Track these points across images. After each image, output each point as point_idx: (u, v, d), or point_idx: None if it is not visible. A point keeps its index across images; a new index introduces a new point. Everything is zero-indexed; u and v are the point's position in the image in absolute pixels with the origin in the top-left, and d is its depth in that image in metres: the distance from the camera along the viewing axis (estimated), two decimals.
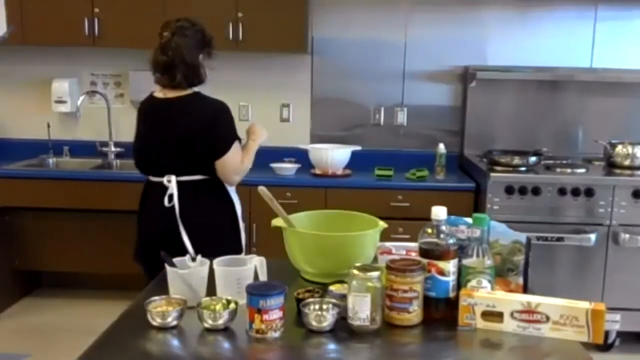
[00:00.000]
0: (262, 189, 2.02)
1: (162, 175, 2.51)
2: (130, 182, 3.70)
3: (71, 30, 3.80)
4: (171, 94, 2.51)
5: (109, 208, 3.73)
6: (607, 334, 3.49)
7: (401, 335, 1.59)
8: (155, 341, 1.55)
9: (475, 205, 3.61)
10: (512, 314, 1.58)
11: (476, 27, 4.06)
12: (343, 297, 1.62)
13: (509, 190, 3.46)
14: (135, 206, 3.70)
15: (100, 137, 4.23)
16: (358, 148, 3.83)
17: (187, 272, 1.71)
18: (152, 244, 2.36)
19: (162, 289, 1.73)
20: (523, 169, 3.60)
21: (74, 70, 4.21)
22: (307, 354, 1.52)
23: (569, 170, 3.60)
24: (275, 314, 1.53)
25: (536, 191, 3.44)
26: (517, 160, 3.64)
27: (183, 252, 2.09)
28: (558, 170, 3.60)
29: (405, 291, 1.59)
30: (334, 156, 3.75)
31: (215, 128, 2.46)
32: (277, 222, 1.97)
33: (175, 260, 1.75)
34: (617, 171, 3.66)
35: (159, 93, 2.57)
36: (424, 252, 1.65)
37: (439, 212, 1.66)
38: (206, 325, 1.57)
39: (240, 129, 2.62)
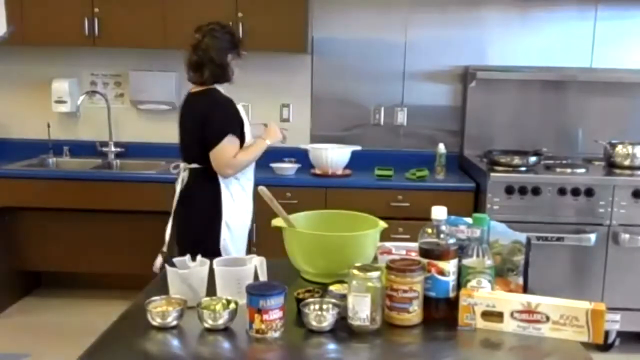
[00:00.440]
0: (262, 189, 2.03)
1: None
2: (130, 182, 3.72)
3: (71, 30, 3.80)
4: (195, 89, 2.76)
5: (109, 208, 3.74)
6: (607, 334, 3.49)
7: (401, 335, 1.59)
8: (155, 341, 1.55)
9: (475, 205, 3.61)
10: (512, 314, 1.58)
11: (476, 27, 4.06)
12: (343, 297, 1.62)
13: (509, 190, 3.46)
14: (134, 206, 3.72)
15: (100, 137, 4.23)
16: (358, 148, 3.83)
17: (187, 272, 1.71)
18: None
19: (162, 289, 1.73)
20: (523, 169, 3.60)
21: (74, 70, 4.21)
22: (307, 354, 1.53)
23: (569, 170, 3.60)
24: (275, 314, 1.53)
25: (536, 191, 3.44)
26: (517, 160, 3.64)
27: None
28: (558, 170, 3.60)
29: (405, 291, 1.59)
30: (334, 156, 3.74)
31: (211, 119, 2.66)
32: (277, 222, 1.97)
33: (175, 260, 1.75)
34: (617, 171, 3.66)
35: (192, 89, 2.81)
36: (424, 252, 1.65)
37: (439, 212, 1.66)
38: (206, 325, 1.58)
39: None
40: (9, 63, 4.21)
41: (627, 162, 3.68)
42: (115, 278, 4.11)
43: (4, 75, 4.25)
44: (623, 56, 4.02)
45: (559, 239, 3.44)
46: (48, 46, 4.09)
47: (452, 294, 1.65)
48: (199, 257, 1.80)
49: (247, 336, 1.55)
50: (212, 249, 2.60)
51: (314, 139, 4.13)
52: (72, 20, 3.78)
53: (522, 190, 3.45)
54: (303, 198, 3.47)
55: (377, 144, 4.15)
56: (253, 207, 2.85)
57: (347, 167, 3.85)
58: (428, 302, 1.64)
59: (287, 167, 3.79)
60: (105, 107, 4.19)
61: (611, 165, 3.73)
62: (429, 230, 1.66)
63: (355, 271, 1.58)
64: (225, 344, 1.55)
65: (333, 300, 1.63)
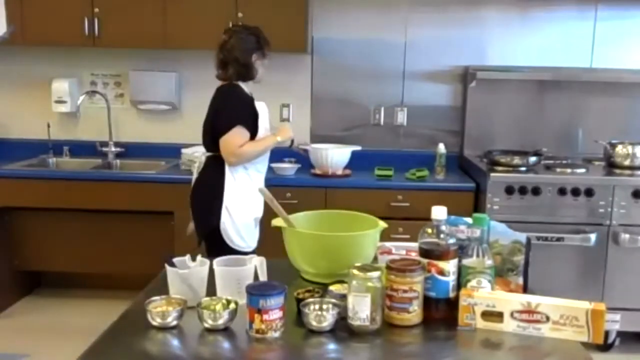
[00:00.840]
0: (262, 189, 2.03)
1: None
2: (130, 182, 3.72)
3: (71, 30, 3.80)
4: (222, 85, 2.92)
5: (109, 208, 3.74)
6: (607, 334, 3.49)
7: (401, 335, 1.60)
8: (155, 341, 1.55)
9: (475, 205, 3.60)
10: (512, 314, 1.58)
11: (476, 27, 4.06)
12: (343, 297, 1.62)
13: (509, 190, 3.46)
14: (134, 206, 3.72)
15: (100, 137, 4.22)
16: (358, 148, 3.83)
17: (187, 272, 1.71)
18: None
19: (162, 289, 1.73)
20: (523, 169, 3.60)
21: (74, 70, 4.21)
22: (307, 354, 1.53)
23: (569, 170, 3.60)
24: (275, 314, 1.53)
25: (536, 191, 3.44)
26: (517, 160, 3.64)
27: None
28: (558, 170, 3.60)
29: (405, 291, 1.59)
30: (334, 156, 3.74)
31: (224, 109, 2.83)
32: (277, 222, 1.97)
33: (175, 260, 1.75)
34: (617, 171, 3.66)
35: (219, 85, 2.95)
36: (424, 252, 1.65)
37: (439, 212, 1.66)
38: (206, 325, 1.58)
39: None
40: (9, 63, 4.22)
41: (627, 162, 3.68)
42: (115, 278, 4.11)
43: (4, 75, 4.25)
44: (623, 56, 4.02)
45: (559, 239, 3.44)
46: (48, 46, 4.09)
47: (452, 294, 1.65)
48: (198, 257, 1.80)
49: (247, 336, 1.55)
50: (213, 231, 2.82)
51: (314, 139, 4.13)
52: (72, 20, 3.78)
53: (522, 190, 3.45)
54: (303, 198, 3.47)
55: (377, 144, 4.15)
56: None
57: (347, 167, 3.85)
58: (428, 302, 1.64)
59: (287, 167, 3.79)
60: (105, 107, 4.19)
61: (611, 165, 3.73)
62: (429, 230, 1.66)
63: (355, 271, 1.58)
64: (225, 344, 1.55)
65: (333, 300, 1.63)
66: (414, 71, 4.11)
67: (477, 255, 1.66)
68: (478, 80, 3.95)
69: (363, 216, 2.03)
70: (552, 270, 3.45)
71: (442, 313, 1.65)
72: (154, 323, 1.58)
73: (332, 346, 1.53)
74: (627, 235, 3.42)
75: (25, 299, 4.15)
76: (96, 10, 3.78)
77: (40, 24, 3.81)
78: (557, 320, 1.55)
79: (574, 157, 3.93)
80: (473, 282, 1.65)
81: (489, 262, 1.66)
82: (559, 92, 4.04)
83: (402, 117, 4.15)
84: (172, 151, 4.03)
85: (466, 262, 1.67)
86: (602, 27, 4.01)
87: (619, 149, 3.71)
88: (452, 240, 1.66)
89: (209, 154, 2.92)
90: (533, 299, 1.58)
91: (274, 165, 3.79)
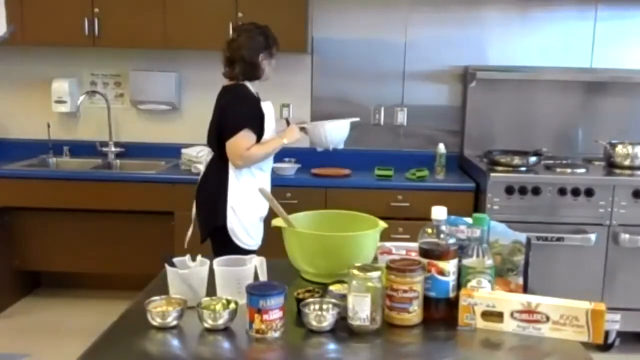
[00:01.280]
0: (262, 188, 2.03)
1: None
2: (130, 182, 3.72)
3: (71, 30, 3.80)
4: (227, 83, 2.92)
5: (109, 208, 3.74)
6: (607, 334, 3.49)
7: (401, 335, 1.59)
8: (155, 341, 1.55)
9: (475, 205, 3.60)
10: (512, 314, 1.58)
11: (476, 27, 4.05)
12: (343, 297, 1.62)
13: (509, 190, 3.46)
14: (134, 206, 3.72)
15: (100, 137, 4.22)
16: (356, 119, 3.37)
17: (187, 272, 1.71)
18: None
19: (162, 289, 1.73)
20: (523, 169, 3.60)
21: (74, 70, 4.21)
22: (307, 354, 1.53)
23: (569, 170, 3.60)
24: (275, 314, 1.53)
25: (536, 191, 3.44)
26: (517, 160, 3.64)
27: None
28: (558, 170, 3.60)
29: (405, 291, 1.59)
30: (332, 130, 3.25)
31: (231, 112, 2.82)
32: (277, 222, 1.97)
33: (175, 260, 1.75)
34: (617, 171, 3.66)
35: (225, 83, 2.96)
36: (424, 252, 1.65)
37: (439, 212, 1.66)
38: (206, 325, 1.58)
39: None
40: (9, 63, 4.21)
41: (627, 162, 3.68)
42: (115, 278, 4.11)
43: (4, 75, 4.24)
44: (623, 56, 4.02)
45: (559, 239, 3.44)
46: (48, 46, 4.08)
47: (452, 294, 1.65)
48: (198, 257, 1.80)
49: (247, 336, 1.55)
50: (220, 230, 2.83)
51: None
52: (72, 20, 3.78)
53: (522, 190, 3.45)
54: (303, 198, 3.47)
55: (377, 144, 4.15)
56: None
57: (347, 167, 3.85)
58: (428, 302, 1.64)
59: (287, 167, 3.79)
60: (105, 107, 4.19)
61: (611, 165, 3.73)
62: (429, 230, 1.66)
63: (355, 271, 1.58)
64: (225, 344, 1.55)
65: (333, 300, 1.63)
66: (414, 71, 4.11)
67: (477, 255, 1.66)
68: (478, 80, 3.94)
69: (363, 216, 2.03)
70: (552, 270, 3.45)
71: (442, 313, 1.65)
72: (154, 323, 1.58)
73: (332, 346, 1.53)
74: (627, 235, 3.42)
75: (25, 299, 4.15)
76: (96, 10, 3.78)
77: (40, 24, 3.81)
78: (557, 320, 1.55)
79: (574, 157, 3.93)
80: (473, 282, 1.65)
81: (489, 262, 1.66)
82: (559, 92, 4.04)
83: (402, 117, 4.15)
84: (172, 151, 4.03)
85: (466, 262, 1.67)
86: (602, 27, 4.01)
87: (619, 149, 3.71)
88: (452, 240, 1.66)
89: (214, 155, 2.92)
90: (533, 299, 1.58)
91: (274, 165, 3.79)
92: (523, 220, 3.38)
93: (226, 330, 1.58)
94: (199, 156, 3.66)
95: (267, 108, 2.93)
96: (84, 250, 3.92)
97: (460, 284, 1.66)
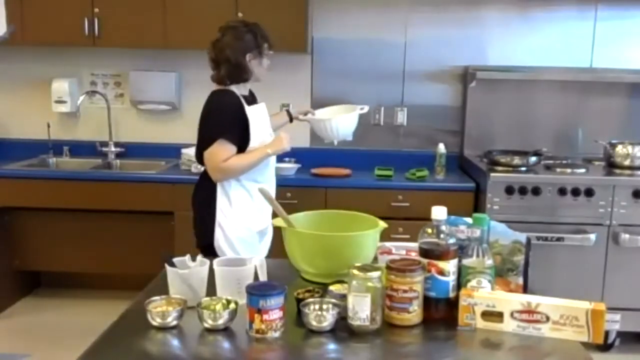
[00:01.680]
0: (262, 188, 2.03)
1: None
2: (130, 182, 3.72)
3: (71, 30, 3.80)
4: (214, 88, 2.71)
5: (109, 208, 3.74)
6: (607, 334, 3.49)
7: (401, 335, 1.59)
8: (155, 341, 1.55)
9: (475, 205, 3.60)
10: (512, 314, 1.58)
11: (476, 27, 4.05)
12: (343, 297, 1.62)
13: (509, 190, 3.46)
14: (134, 206, 3.72)
15: (100, 137, 4.22)
16: (365, 110, 3.29)
17: (187, 272, 1.71)
18: None
19: (162, 289, 1.73)
20: (523, 169, 3.60)
21: (74, 70, 4.21)
22: (307, 354, 1.52)
23: (569, 170, 3.60)
24: (275, 314, 1.53)
25: (536, 191, 3.44)
26: (517, 160, 3.64)
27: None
28: (558, 170, 3.60)
29: (405, 291, 1.59)
30: (339, 125, 3.10)
31: (206, 122, 2.64)
32: (277, 222, 1.97)
33: (175, 260, 1.75)
34: (617, 171, 3.66)
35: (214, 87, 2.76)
36: (424, 252, 1.65)
37: (439, 212, 1.66)
38: (206, 325, 1.58)
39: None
40: (9, 63, 4.21)
41: (627, 162, 3.68)
42: (115, 278, 4.11)
43: (4, 75, 4.25)
44: (623, 56, 4.02)
45: (559, 239, 3.44)
46: (48, 46, 4.09)
47: (452, 294, 1.65)
48: (199, 257, 1.80)
49: (247, 336, 1.55)
50: (208, 247, 2.64)
51: (314, 138, 4.11)
52: (72, 20, 3.78)
53: (522, 190, 3.45)
54: (303, 198, 3.47)
55: (377, 144, 4.15)
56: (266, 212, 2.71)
57: (347, 167, 3.85)
58: (428, 302, 1.64)
59: (287, 167, 3.79)
60: (105, 107, 4.19)
61: (611, 165, 3.73)
62: (429, 230, 1.66)
63: (355, 271, 1.58)
64: (225, 344, 1.55)
65: (333, 300, 1.63)
66: (414, 71, 4.11)
67: (477, 255, 1.66)
68: (478, 80, 3.94)
69: (363, 216, 2.03)
70: (552, 270, 3.45)
71: (442, 313, 1.65)
72: (154, 323, 1.58)
73: (332, 346, 1.53)
74: (627, 235, 3.42)
75: (25, 299, 4.15)
76: (96, 10, 3.78)
77: (40, 24, 3.81)
78: (557, 320, 1.55)
79: (574, 157, 3.93)
80: (473, 282, 1.65)
81: (489, 262, 1.66)
82: (559, 92, 4.04)
83: (402, 117, 4.15)
84: (172, 151, 4.03)
85: (466, 262, 1.67)
86: (602, 27, 4.01)
87: (619, 149, 3.71)
88: (452, 240, 1.66)
89: (201, 168, 2.74)
90: (533, 299, 1.58)
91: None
92: (523, 220, 3.38)
93: (226, 330, 1.58)
94: None
95: (256, 112, 2.70)
96: (84, 250, 3.92)
97: (460, 284, 1.66)
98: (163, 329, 1.58)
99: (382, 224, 1.94)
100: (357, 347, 1.54)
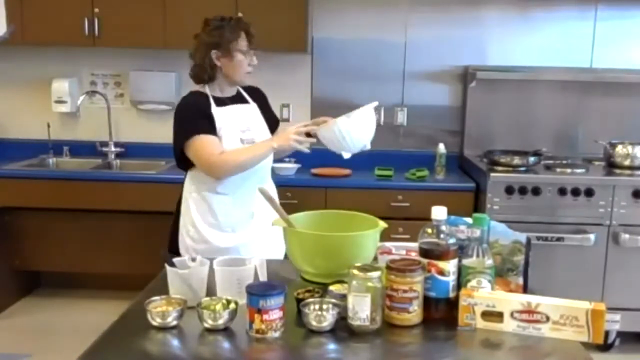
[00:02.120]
0: (262, 188, 2.03)
1: None
2: (130, 182, 3.72)
3: (71, 30, 3.80)
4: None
5: (109, 208, 3.74)
6: (607, 334, 3.49)
7: (401, 335, 1.59)
8: (155, 341, 1.55)
9: (475, 205, 3.60)
10: (512, 314, 1.58)
11: (476, 27, 4.06)
12: (343, 297, 1.62)
13: (509, 190, 3.46)
14: (134, 206, 3.72)
15: (100, 137, 4.23)
16: (375, 104, 2.75)
17: (187, 272, 1.71)
18: None
19: (162, 289, 1.73)
20: (523, 169, 3.60)
21: (74, 70, 4.21)
22: (307, 354, 1.52)
23: (569, 170, 3.60)
24: (275, 314, 1.53)
25: (536, 191, 3.44)
26: (517, 160, 3.64)
27: None
28: (558, 170, 3.60)
29: (405, 291, 1.59)
30: (351, 128, 2.45)
31: (175, 129, 2.51)
32: (277, 222, 1.97)
33: (175, 260, 1.75)
34: (617, 171, 3.66)
35: None
36: (424, 252, 1.65)
37: (439, 212, 1.66)
38: (206, 325, 1.57)
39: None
40: (9, 63, 4.21)
41: (627, 162, 3.68)
42: (115, 278, 4.11)
43: (4, 75, 4.25)
44: (623, 56, 4.02)
45: (559, 239, 3.44)
46: (48, 46, 4.09)
47: (452, 294, 1.65)
48: (199, 257, 1.80)
49: (247, 336, 1.55)
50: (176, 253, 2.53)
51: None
52: (72, 20, 3.78)
53: (522, 190, 3.45)
54: (303, 198, 3.47)
55: (377, 144, 4.12)
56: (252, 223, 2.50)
57: (347, 167, 3.85)
58: (428, 302, 1.64)
59: (287, 167, 3.79)
60: (105, 107, 4.19)
61: (611, 165, 3.73)
62: (429, 230, 1.66)
63: (355, 271, 1.58)
64: (225, 344, 1.55)
65: (333, 300, 1.63)
66: (414, 71, 4.11)
67: (477, 255, 1.66)
68: (478, 80, 3.95)
69: (363, 216, 2.03)
70: (552, 270, 3.45)
71: (442, 313, 1.65)
72: (154, 323, 1.58)
73: (332, 346, 1.53)
74: (627, 235, 3.42)
75: (25, 299, 4.15)
76: (96, 10, 3.78)
77: (40, 24, 3.81)
78: (557, 320, 1.55)
79: (574, 157, 3.93)
80: (473, 282, 1.65)
81: (489, 262, 1.66)
82: (559, 92, 4.04)
83: (402, 117, 4.14)
84: (172, 151, 4.01)
85: (466, 262, 1.67)
86: (602, 27, 4.01)
87: (619, 149, 3.71)
88: (452, 240, 1.66)
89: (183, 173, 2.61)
90: (533, 299, 1.58)
91: (274, 165, 3.77)
92: (523, 220, 3.38)
93: (226, 330, 1.58)
94: None
95: (225, 113, 2.46)
96: (84, 250, 3.92)
97: (460, 284, 1.66)
98: (163, 329, 1.58)
99: (382, 224, 1.94)
100: (357, 347, 1.54)
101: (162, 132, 4.19)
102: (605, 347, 3.54)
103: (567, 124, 4.08)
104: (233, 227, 2.47)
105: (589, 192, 3.43)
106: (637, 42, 4.04)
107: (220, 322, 1.57)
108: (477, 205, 3.59)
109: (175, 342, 1.56)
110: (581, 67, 4.04)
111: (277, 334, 1.54)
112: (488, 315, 1.60)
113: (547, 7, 4.03)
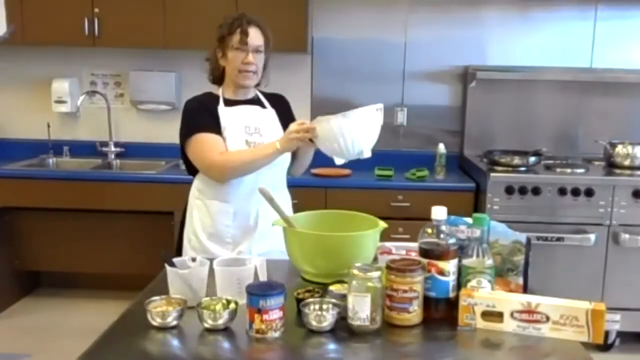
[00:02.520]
0: (262, 188, 2.02)
1: None
2: (130, 182, 3.72)
3: (71, 30, 3.80)
4: (215, 87, 2.51)
5: (109, 208, 3.74)
6: (607, 334, 3.49)
7: (401, 335, 1.59)
8: (155, 341, 1.55)
9: (475, 205, 3.61)
10: (512, 314, 1.58)
11: (476, 27, 4.06)
12: (343, 297, 1.62)
13: (509, 190, 3.46)
14: (134, 206, 3.72)
15: (100, 137, 4.23)
16: (379, 106, 2.55)
17: (187, 272, 1.71)
18: None
19: (162, 289, 1.73)
20: (523, 169, 3.60)
21: (74, 70, 4.21)
22: (307, 354, 1.52)
23: (569, 170, 3.60)
24: (275, 314, 1.53)
25: (536, 191, 3.44)
26: (517, 160, 3.64)
27: None
28: (558, 170, 3.60)
29: (405, 291, 1.59)
30: (351, 129, 2.35)
31: (180, 128, 2.41)
32: (277, 222, 1.97)
33: (175, 260, 1.75)
34: (617, 171, 3.66)
35: None
36: (424, 252, 1.65)
37: (439, 212, 1.66)
38: (206, 325, 1.57)
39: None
40: (9, 63, 4.21)
41: (627, 162, 3.68)
42: (115, 278, 4.11)
43: (4, 75, 4.25)
44: (623, 56, 4.02)
45: (559, 239, 3.44)
46: (48, 46, 4.09)
47: (452, 294, 1.65)
48: (198, 257, 1.80)
49: (247, 336, 1.55)
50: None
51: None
52: (72, 20, 3.78)
53: (522, 190, 3.45)
54: (303, 198, 3.46)
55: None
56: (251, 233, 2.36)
57: (347, 167, 3.83)
58: (428, 302, 1.64)
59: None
60: (105, 107, 4.19)
61: (611, 165, 3.73)
62: (429, 230, 1.66)
63: (355, 271, 1.58)
64: (225, 344, 1.55)
65: (333, 300, 1.63)
66: (414, 71, 4.11)
67: (477, 255, 1.66)
68: (478, 80, 3.95)
69: (363, 216, 2.03)
70: (552, 270, 3.45)
71: (442, 313, 1.65)
72: (154, 323, 1.58)
73: (332, 346, 1.53)
74: (627, 235, 3.42)
75: (25, 299, 4.15)
76: (96, 10, 3.78)
77: (40, 24, 3.81)
78: (557, 320, 1.55)
79: (574, 157, 3.93)
80: (473, 282, 1.65)
81: (489, 262, 1.66)
82: (559, 92, 4.04)
83: (402, 117, 4.15)
84: (172, 151, 3.98)
85: (466, 262, 1.67)
86: (602, 27, 4.01)
87: (619, 149, 3.71)
88: (452, 240, 1.66)
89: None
90: (533, 299, 1.58)
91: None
92: (523, 220, 3.38)
93: (226, 330, 1.58)
94: None
95: (233, 113, 2.36)
96: (84, 250, 3.92)
97: (460, 284, 1.66)
98: (163, 329, 1.58)
99: (382, 224, 1.94)
100: (357, 347, 1.54)
101: (162, 132, 4.22)
102: (605, 347, 3.54)
103: (567, 124, 4.08)
104: (234, 239, 2.35)
105: (589, 192, 3.43)
106: (637, 42, 4.04)
107: (220, 322, 1.57)
108: (477, 205, 3.59)
109: (175, 342, 1.56)
110: (581, 67, 4.04)
111: (277, 334, 1.54)
112: (488, 315, 1.60)
113: (547, 7, 4.03)
